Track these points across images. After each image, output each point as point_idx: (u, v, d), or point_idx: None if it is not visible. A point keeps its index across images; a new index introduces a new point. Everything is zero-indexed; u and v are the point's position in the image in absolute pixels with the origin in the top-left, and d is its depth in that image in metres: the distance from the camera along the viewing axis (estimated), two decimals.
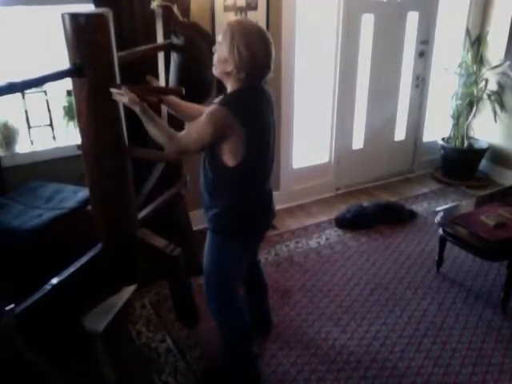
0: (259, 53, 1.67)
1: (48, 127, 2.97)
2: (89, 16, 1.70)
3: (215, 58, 1.75)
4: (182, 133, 1.77)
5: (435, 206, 3.65)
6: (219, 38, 1.72)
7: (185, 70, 2.25)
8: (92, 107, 1.79)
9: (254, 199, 1.89)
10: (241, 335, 2.09)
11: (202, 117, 1.70)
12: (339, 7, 3.51)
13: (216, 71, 1.77)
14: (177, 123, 2.18)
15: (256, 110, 1.76)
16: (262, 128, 1.79)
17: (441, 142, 4.27)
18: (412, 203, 3.87)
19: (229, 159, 1.74)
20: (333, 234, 3.44)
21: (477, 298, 2.72)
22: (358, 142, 4.07)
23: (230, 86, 1.77)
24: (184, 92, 1.96)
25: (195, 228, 2.98)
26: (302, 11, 3.38)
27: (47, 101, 2.92)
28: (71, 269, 1.95)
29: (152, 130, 1.77)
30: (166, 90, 2.16)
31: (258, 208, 1.93)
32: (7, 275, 2.05)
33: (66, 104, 2.98)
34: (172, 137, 1.76)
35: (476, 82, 4.08)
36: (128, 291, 2.12)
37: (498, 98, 4.05)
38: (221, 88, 1.90)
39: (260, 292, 2.41)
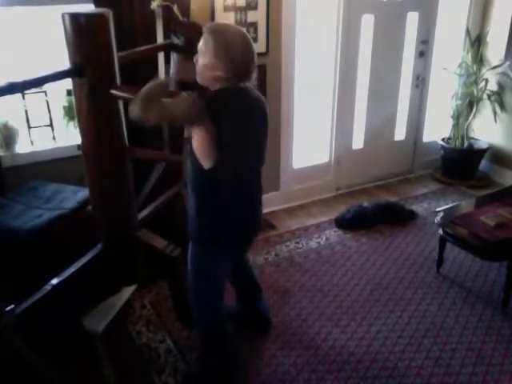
0: (241, 52, 1.66)
1: (48, 127, 2.96)
2: (89, 16, 1.70)
3: (199, 66, 1.71)
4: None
5: (435, 207, 3.65)
6: (201, 46, 1.69)
7: (185, 71, 2.25)
8: (92, 107, 1.79)
9: (233, 210, 1.81)
10: (224, 344, 2.07)
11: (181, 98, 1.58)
12: (339, 7, 3.51)
13: (202, 79, 1.72)
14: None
15: (238, 111, 1.68)
16: (243, 131, 1.67)
17: (441, 142, 4.26)
18: (412, 203, 3.87)
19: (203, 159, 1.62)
20: (333, 234, 3.44)
21: (477, 299, 2.72)
22: (358, 142, 4.07)
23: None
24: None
25: None
26: (302, 11, 3.38)
27: (47, 101, 2.92)
28: (71, 269, 1.95)
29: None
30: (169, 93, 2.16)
31: (239, 221, 1.85)
32: (7, 275, 2.04)
33: (66, 104, 2.98)
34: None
35: (476, 82, 4.07)
36: (128, 291, 2.12)
37: (498, 98, 4.05)
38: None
39: (253, 293, 2.41)
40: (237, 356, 2.15)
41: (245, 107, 1.71)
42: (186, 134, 1.93)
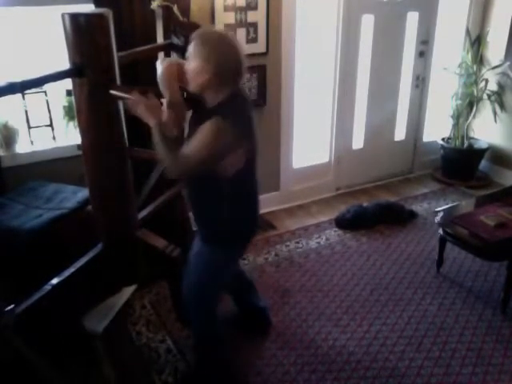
0: (229, 56, 1.68)
1: (48, 127, 2.96)
2: (89, 16, 1.70)
3: (189, 73, 1.71)
4: (184, 153, 1.66)
5: (435, 206, 3.65)
6: (189, 52, 1.71)
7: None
8: (92, 107, 1.79)
9: (246, 210, 1.91)
10: (219, 344, 2.11)
11: (204, 136, 1.64)
12: (339, 7, 3.51)
13: (193, 86, 1.72)
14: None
15: (248, 118, 1.78)
16: (254, 137, 1.81)
17: (441, 142, 4.26)
18: (412, 203, 3.87)
19: (227, 171, 1.72)
20: (333, 234, 3.44)
21: (477, 299, 2.72)
22: (358, 142, 4.07)
23: (210, 98, 1.73)
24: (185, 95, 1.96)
25: (195, 228, 2.98)
26: (302, 11, 3.38)
27: (47, 101, 2.92)
28: (71, 269, 1.95)
29: (160, 148, 1.68)
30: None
31: (250, 218, 1.95)
32: (7, 275, 2.04)
33: (66, 104, 2.98)
34: (177, 158, 1.67)
35: (476, 82, 4.07)
36: (128, 291, 2.12)
37: (498, 98, 4.05)
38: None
39: (248, 289, 2.42)
40: (233, 356, 2.18)
41: (248, 116, 1.80)
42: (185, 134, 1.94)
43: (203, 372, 2.15)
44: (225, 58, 1.66)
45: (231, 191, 1.79)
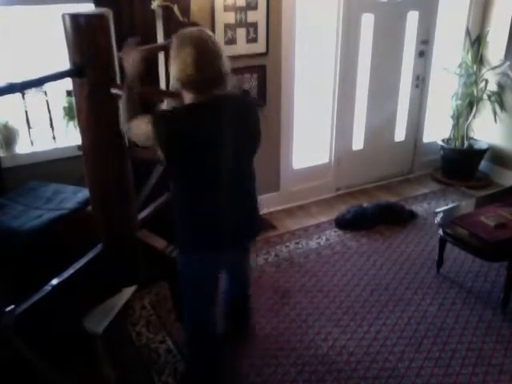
0: (194, 62, 1.60)
1: (48, 127, 2.96)
2: (89, 16, 1.71)
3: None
4: (134, 123, 1.71)
5: (435, 207, 3.65)
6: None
7: None
8: (92, 107, 1.79)
9: (200, 218, 1.80)
10: (208, 344, 2.09)
11: (147, 121, 1.64)
12: (339, 7, 3.51)
13: (171, 87, 1.74)
14: None
15: (195, 126, 1.65)
16: (201, 145, 1.65)
17: (441, 143, 4.26)
18: (412, 204, 3.87)
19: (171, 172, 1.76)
20: (333, 234, 3.44)
21: (477, 299, 2.72)
22: (358, 143, 4.07)
23: (186, 98, 1.73)
24: None
25: None
26: (302, 11, 3.38)
27: (47, 101, 2.92)
28: (71, 270, 1.95)
29: (123, 108, 1.76)
30: (169, 93, 2.16)
31: (207, 225, 1.81)
32: (7, 275, 2.04)
33: (66, 104, 2.98)
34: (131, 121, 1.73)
35: (476, 83, 4.07)
36: (128, 292, 2.12)
37: (498, 98, 4.05)
38: None
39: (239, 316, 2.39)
40: (222, 362, 2.17)
41: (198, 124, 1.66)
42: None
43: (192, 370, 2.15)
44: (190, 65, 1.60)
45: (184, 193, 1.77)
